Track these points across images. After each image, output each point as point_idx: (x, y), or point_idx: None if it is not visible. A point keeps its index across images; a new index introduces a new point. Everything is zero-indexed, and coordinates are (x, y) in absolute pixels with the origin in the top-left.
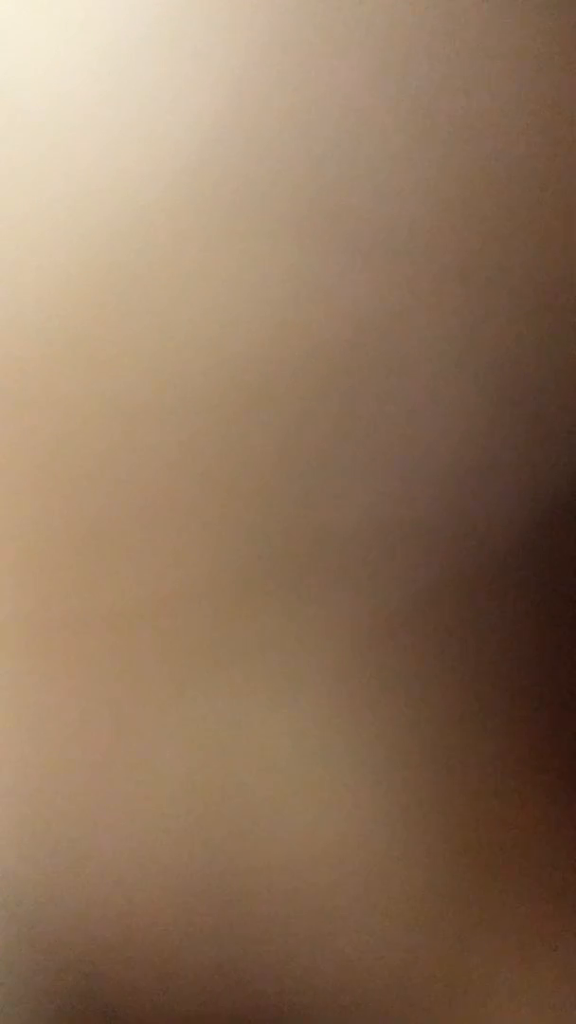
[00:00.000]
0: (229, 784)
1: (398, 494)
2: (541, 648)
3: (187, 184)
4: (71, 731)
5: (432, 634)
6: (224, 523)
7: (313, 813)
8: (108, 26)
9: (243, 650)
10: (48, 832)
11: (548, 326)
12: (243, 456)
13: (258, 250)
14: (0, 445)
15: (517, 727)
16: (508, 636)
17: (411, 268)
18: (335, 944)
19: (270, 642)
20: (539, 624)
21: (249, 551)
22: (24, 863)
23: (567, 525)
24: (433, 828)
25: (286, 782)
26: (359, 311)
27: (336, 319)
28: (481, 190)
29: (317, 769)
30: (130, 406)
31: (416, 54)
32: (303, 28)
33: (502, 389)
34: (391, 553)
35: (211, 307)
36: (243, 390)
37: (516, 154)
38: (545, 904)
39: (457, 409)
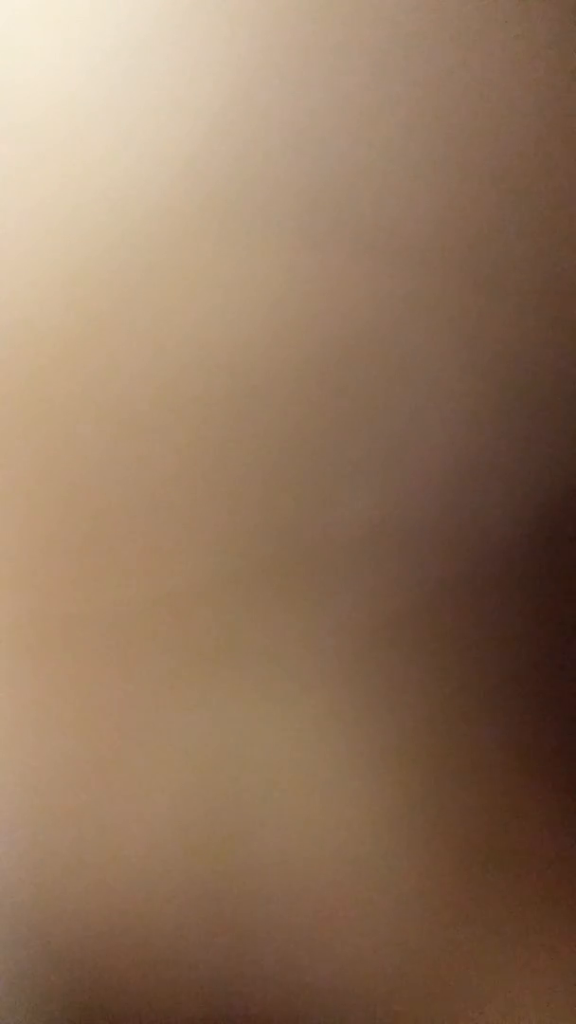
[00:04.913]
0: (230, 785)
1: (399, 495)
2: (543, 649)
3: (187, 185)
4: (71, 732)
5: (434, 635)
6: (225, 524)
7: (314, 814)
8: (108, 27)
9: (244, 651)
10: (48, 833)
11: (549, 326)
12: (244, 457)
13: (258, 250)
14: (0, 446)
15: (518, 728)
16: (510, 637)
17: (411, 268)
18: (335, 945)
19: (271, 643)
20: (541, 625)
21: (250, 552)
22: (24, 864)
23: (568, 526)
24: (434, 829)
25: (287, 783)
26: (359, 312)
27: (336, 320)
28: (481, 190)
29: (318, 770)
30: (131, 406)
31: (416, 54)
32: (303, 28)
33: (503, 389)
34: (392, 554)
35: (211, 308)
36: (243, 390)
37: (517, 153)
38: (545, 904)
39: (458, 410)
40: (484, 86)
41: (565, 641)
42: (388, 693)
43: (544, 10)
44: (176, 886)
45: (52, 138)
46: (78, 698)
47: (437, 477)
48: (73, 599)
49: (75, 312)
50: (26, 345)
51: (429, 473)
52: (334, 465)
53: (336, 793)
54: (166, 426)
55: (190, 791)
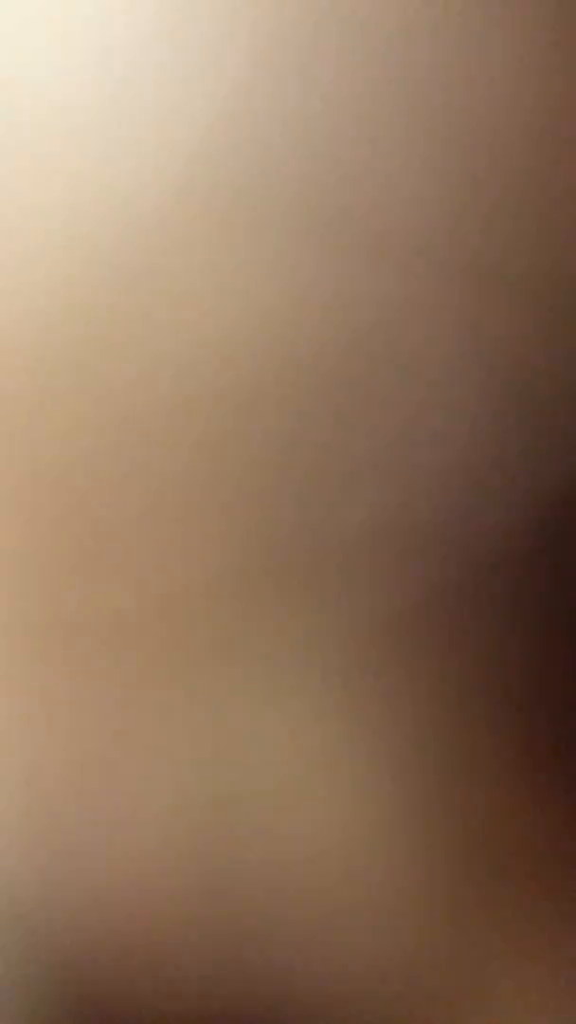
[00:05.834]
0: (230, 785)
1: (400, 494)
2: (543, 650)
3: (187, 186)
4: (71, 732)
5: (434, 635)
6: (225, 524)
7: (314, 814)
8: (107, 30)
9: (244, 652)
10: (48, 832)
11: (549, 325)
12: (245, 457)
13: (258, 251)
14: (0, 446)
15: (519, 729)
16: (510, 638)
17: (411, 268)
18: (335, 944)
19: (271, 644)
20: (542, 626)
21: (250, 552)
22: (24, 863)
23: (569, 526)
24: (434, 829)
25: (287, 782)
26: (360, 312)
27: (337, 320)
28: (481, 189)
29: (318, 770)
30: (130, 408)
31: (416, 55)
32: (303, 30)
33: (504, 389)
34: (393, 555)
35: (212, 308)
36: (244, 391)
37: (516, 153)
38: (545, 903)
39: (459, 410)
40: (485, 86)
41: (565, 642)
42: (388, 694)
43: (544, 9)
44: (176, 886)
45: (52, 138)
46: (78, 698)
47: (438, 478)
48: (73, 600)
49: (75, 313)
50: (25, 347)
51: (430, 474)
52: (335, 466)
53: (336, 793)
54: (166, 426)
55: (190, 791)
